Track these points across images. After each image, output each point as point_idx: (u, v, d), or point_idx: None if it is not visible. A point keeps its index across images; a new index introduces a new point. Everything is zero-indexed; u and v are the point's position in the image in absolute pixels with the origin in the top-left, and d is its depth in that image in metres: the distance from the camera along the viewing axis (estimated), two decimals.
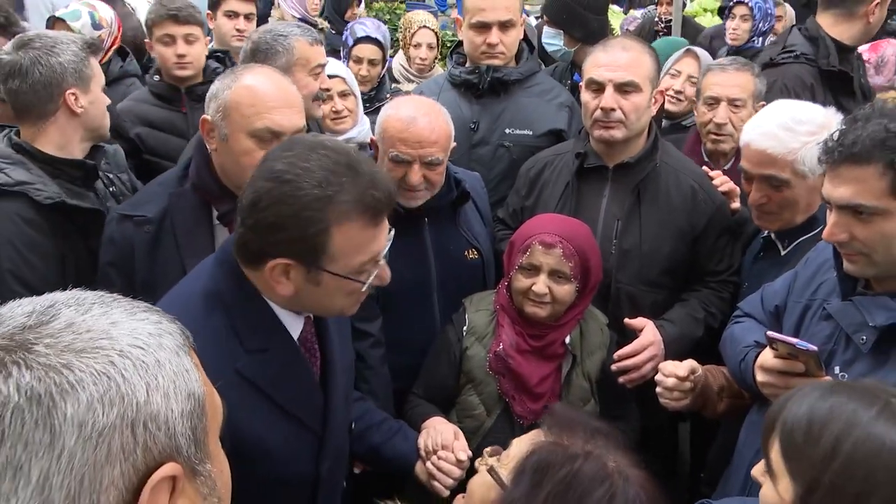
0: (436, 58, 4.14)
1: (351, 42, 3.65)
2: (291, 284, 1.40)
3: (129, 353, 0.72)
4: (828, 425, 1.12)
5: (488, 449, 1.40)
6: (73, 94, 2.14)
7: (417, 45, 4.18)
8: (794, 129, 2.07)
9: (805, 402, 1.17)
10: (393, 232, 1.50)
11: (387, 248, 1.48)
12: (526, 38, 3.02)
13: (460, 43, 3.07)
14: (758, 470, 1.25)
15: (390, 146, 2.20)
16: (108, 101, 2.28)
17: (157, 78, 3.17)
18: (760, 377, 1.73)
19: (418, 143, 2.18)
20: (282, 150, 1.41)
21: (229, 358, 1.40)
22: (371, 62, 3.62)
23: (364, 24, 3.73)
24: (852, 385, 1.20)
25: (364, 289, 1.45)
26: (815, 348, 1.60)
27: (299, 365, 1.54)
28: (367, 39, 3.61)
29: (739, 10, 4.31)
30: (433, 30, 4.21)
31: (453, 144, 2.32)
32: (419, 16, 4.37)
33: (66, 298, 0.76)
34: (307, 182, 1.33)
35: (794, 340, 1.63)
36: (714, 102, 2.79)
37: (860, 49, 3.47)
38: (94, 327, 0.72)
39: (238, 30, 3.53)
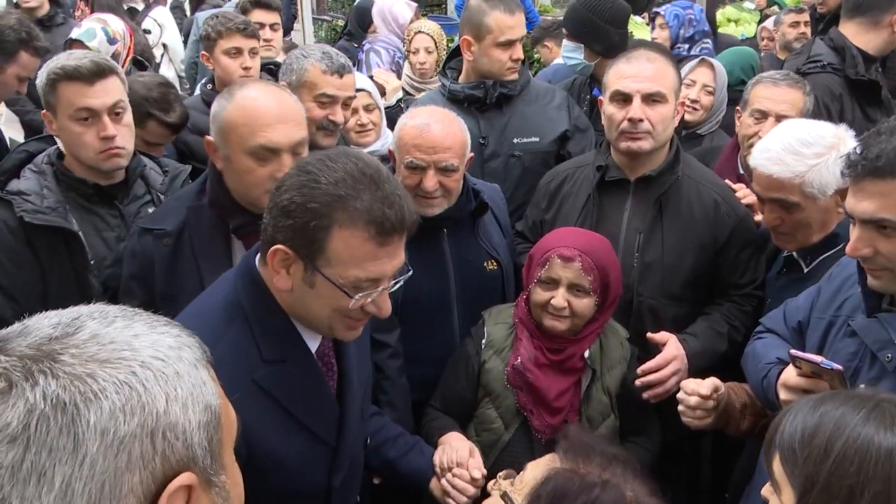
0: (437, 61, 4.17)
1: (366, 72, 3.69)
2: (290, 279, 1.42)
3: (151, 365, 0.74)
4: (820, 429, 1.17)
5: (502, 473, 1.40)
6: (46, 116, 2.21)
7: (416, 52, 4.24)
8: (800, 152, 2.04)
9: (798, 414, 1.22)
10: (410, 273, 1.50)
11: (394, 283, 1.47)
12: None
13: (451, 57, 3.12)
14: (767, 490, 1.27)
15: (405, 153, 2.24)
16: (82, 134, 2.17)
17: (210, 87, 3.27)
18: (784, 395, 1.70)
19: (432, 148, 2.20)
20: (322, 153, 1.45)
21: (247, 368, 1.41)
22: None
23: (379, 56, 3.76)
24: (844, 393, 1.26)
25: (351, 305, 1.41)
26: (839, 367, 1.56)
27: (316, 377, 1.55)
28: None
29: (658, 20, 4.41)
30: (429, 34, 4.24)
31: (470, 154, 2.33)
32: (416, 23, 4.42)
33: (90, 311, 0.78)
34: (325, 178, 1.36)
35: (818, 359, 1.60)
36: (762, 116, 2.75)
37: None
38: (117, 339, 0.75)
39: (265, 40, 3.60)
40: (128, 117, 2.23)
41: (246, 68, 3.18)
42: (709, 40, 4.59)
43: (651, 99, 2.31)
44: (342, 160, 1.39)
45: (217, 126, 1.92)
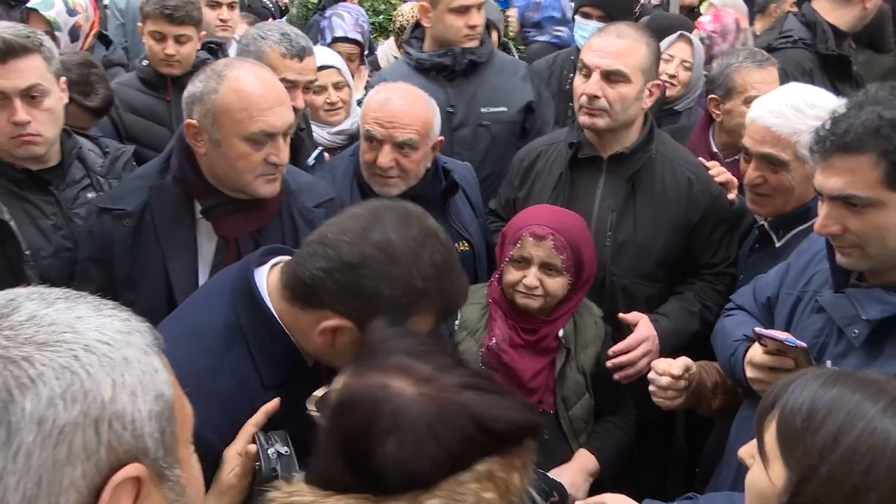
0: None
1: (328, 39, 3.60)
2: (332, 342, 1.36)
3: (96, 349, 0.69)
4: (831, 414, 1.07)
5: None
6: None
7: (402, 29, 4.15)
8: (803, 110, 2.02)
9: (808, 388, 1.11)
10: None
11: None
12: None
13: (415, 26, 3.08)
14: (746, 451, 1.20)
15: (365, 123, 2.22)
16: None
17: (145, 63, 3.15)
18: (750, 373, 1.70)
19: (390, 122, 2.18)
20: (400, 223, 1.36)
21: (249, 397, 1.37)
22: (349, 58, 3.57)
23: (342, 18, 3.66)
24: (858, 375, 1.14)
25: None
26: (804, 344, 1.56)
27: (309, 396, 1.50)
28: (345, 39, 3.56)
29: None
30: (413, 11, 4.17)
31: (440, 138, 2.29)
32: (406, 6, 4.32)
33: (28, 292, 0.73)
34: (416, 272, 1.32)
35: (782, 336, 1.59)
36: None
37: (702, 21, 3.60)
38: (58, 320, 0.69)
39: (221, 20, 3.49)
40: (49, 101, 2.04)
41: (168, 55, 3.06)
42: (563, 28, 4.64)
43: (610, 77, 2.26)
44: (428, 244, 1.35)
45: (205, 109, 1.83)
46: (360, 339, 1.31)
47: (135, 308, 2.03)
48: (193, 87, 1.88)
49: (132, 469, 0.69)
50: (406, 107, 2.20)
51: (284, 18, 6.23)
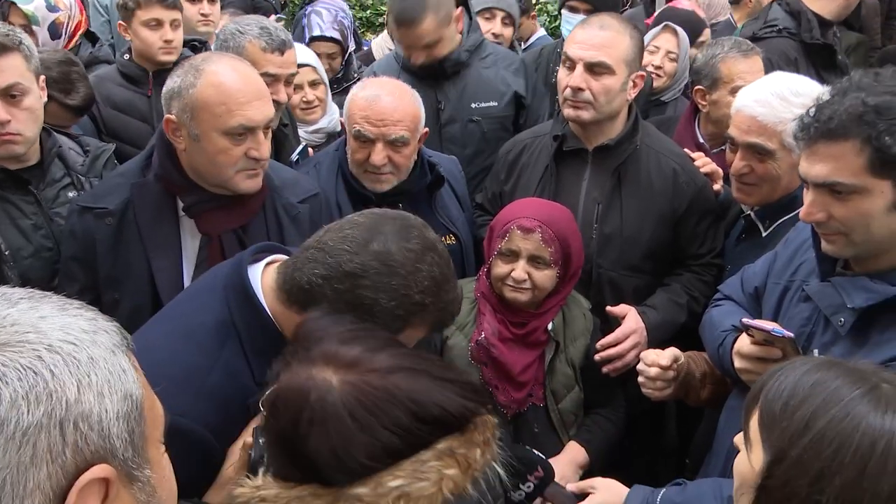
0: None
1: (307, 39, 3.56)
2: None
3: (60, 349, 0.68)
4: (807, 399, 1.09)
5: None
6: None
7: None
8: (789, 99, 2.02)
9: (792, 374, 1.13)
10: None
11: None
12: (466, 7, 3.01)
13: None
14: (738, 438, 1.22)
15: (353, 123, 2.19)
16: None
17: (127, 57, 3.11)
18: (738, 363, 1.70)
19: (381, 120, 2.16)
20: (400, 235, 1.37)
21: (241, 394, 1.36)
22: (329, 56, 3.54)
23: (321, 16, 3.62)
24: (845, 364, 1.15)
25: None
26: (791, 334, 1.56)
27: None
28: (322, 38, 3.53)
29: None
30: None
31: (425, 129, 2.27)
32: None
33: None
34: (415, 285, 1.34)
35: (769, 326, 1.60)
36: None
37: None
38: (20, 321, 0.68)
39: (203, 14, 3.45)
40: (29, 100, 2.02)
41: (167, 41, 3.03)
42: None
43: (594, 69, 2.25)
44: (426, 258, 1.36)
45: (183, 104, 1.82)
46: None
47: (119, 307, 2.00)
48: (171, 83, 1.86)
49: (99, 470, 0.68)
50: (395, 103, 2.18)
51: (283, 13, 6.18)
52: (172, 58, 3.05)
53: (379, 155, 2.17)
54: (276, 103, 2.38)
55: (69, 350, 0.68)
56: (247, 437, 1.38)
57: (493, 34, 3.68)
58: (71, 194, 2.18)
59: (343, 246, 1.35)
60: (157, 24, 3.01)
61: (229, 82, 1.81)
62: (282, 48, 2.41)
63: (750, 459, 1.13)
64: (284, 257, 1.50)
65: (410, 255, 1.35)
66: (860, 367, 1.14)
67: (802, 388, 1.10)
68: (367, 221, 1.40)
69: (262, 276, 1.44)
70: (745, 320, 1.67)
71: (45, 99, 2.14)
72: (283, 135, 2.74)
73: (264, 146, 1.85)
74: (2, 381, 0.63)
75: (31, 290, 0.74)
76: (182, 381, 1.30)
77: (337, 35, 3.54)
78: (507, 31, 3.82)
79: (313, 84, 3.02)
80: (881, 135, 1.41)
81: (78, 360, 0.69)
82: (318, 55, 3.47)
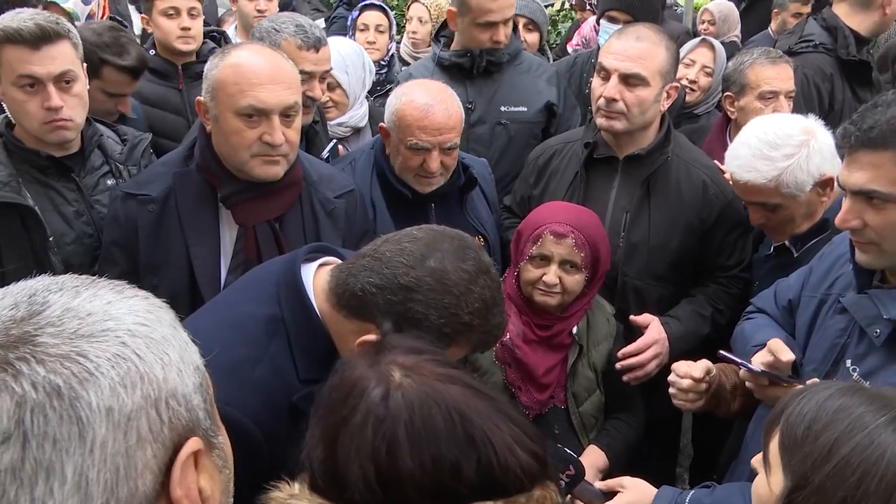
0: (431, 32, 4.10)
1: (356, 14, 3.63)
2: None
3: (138, 332, 0.70)
4: (831, 425, 1.07)
5: None
6: None
7: (410, 20, 4.18)
8: (769, 156, 2.05)
9: (815, 398, 1.12)
10: None
11: None
12: None
13: (444, 25, 3.08)
14: (756, 459, 1.23)
15: (409, 135, 2.20)
16: (25, 103, 2.01)
17: (153, 52, 3.13)
18: (748, 385, 1.75)
19: (437, 130, 2.18)
20: (456, 255, 1.38)
21: (286, 390, 1.39)
22: (378, 28, 3.59)
23: None
24: (869, 389, 1.14)
25: None
26: (758, 369, 1.63)
27: None
28: (371, 6, 3.62)
29: None
30: (424, 4, 4.17)
31: None
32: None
33: (44, 285, 0.71)
34: (465, 306, 1.35)
35: (740, 362, 1.67)
36: (773, 96, 2.76)
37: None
38: (93, 310, 0.69)
39: (259, 10, 3.51)
40: (78, 87, 2.07)
41: (185, 29, 3.04)
42: None
43: (629, 80, 2.26)
44: (480, 280, 1.38)
45: (208, 85, 1.86)
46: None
47: (157, 293, 2.04)
48: (206, 66, 1.91)
49: (194, 443, 0.71)
50: (448, 111, 2.21)
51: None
52: (191, 46, 3.07)
53: (435, 162, 2.20)
54: (311, 99, 2.43)
55: (145, 332, 0.70)
56: None
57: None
58: (110, 182, 2.22)
59: (400, 258, 1.36)
60: (175, 12, 3.04)
61: (246, 63, 1.83)
62: (317, 45, 2.43)
63: (769, 483, 1.13)
64: (337, 260, 1.51)
65: (465, 275, 1.36)
66: (884, 393, 1.13)
67: (826, 412, 1.09)
68: (425, 237, 1.41)
69: (315, 277, 1.46)
70: (721, 353, 1.73)
71: (88, 86, 2.18)
72: (313, 131, 2.76)
73: (277, 132, 1.83)
74: (98, 372, 0.65)
75: (76, 276, 0.74)
76: (229, 371, 1.31)
77: (385, 6, 3.61)
78: (532, 38, 3.83)
79: (329, 86, 3.02)
80: None
81: (155, 340, 0.70)
82: (367, 27, 3.54)
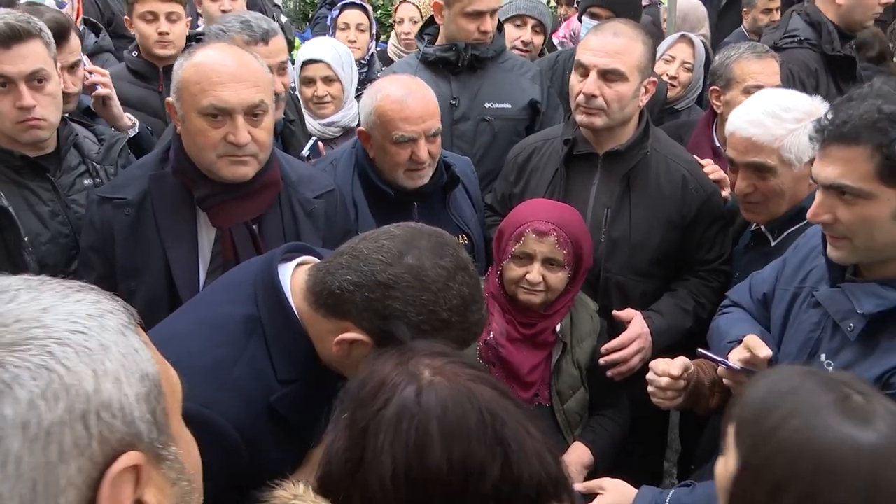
0: None
1: (336, 13, 3.62)
2: (348, 354, 1.37)
3: (69, 340, 0.66)
4: (777, 408, 1.08)
5: None
6: None
7: (401, 21, 4.17)
8: (780, 116, 2.04)
9: (769, 380, 1.14)
10: None
11: None
12: None
13: (428, 23, 3.09)
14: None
15: (393, 129, 2.19)
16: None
17: (135, 54, 3.13)
18: (726, 382, 1.76)
19: (420, 118, 2.19)
20: (434, 251, 1.37)
21: (264, 391, 1.37)
22: (359, 27, 3.59)
23: None
24: (823, 374, 1.15)
25: None
26: (736, 366, 1.64)
27: (323, 393, 1.49)
28: (351, 5, 3.62)
29: None
30: (415, 4, 4.18)
31: None
32: None
33: None
34: (444, 303, 1.33)
35: (718, 359, 1.69)
36: (758, 91, 2.75)
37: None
38: (23, 316, 0.66)
39: (223, 11, 3.49)
40: (51, 86, 2.06)
41: (162, 34, 3.02)
42: None
43: (608, 76, 2.27)
44: (458, 277, 1.36)
45: (174, 85, 1.86)
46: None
47: (135, 297, 2.02)
48: (174, 66, 1.90)
49: (128, 458, 0.67)
50: (423, 97, 2.23)
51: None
52: (168, 52, 3.04)
53: (424, 150, 2.20)
54: (275, 95, 2.36)
55: (79, 340, 0.66)
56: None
57: (523, 42, 3.69)
58: (87, 182, 2.21)
59: (378, 256, 1.35)
60: (153, 16, 3.01)
61: (208, 62, 1.81)
62: (265, 38, 2.41)
63: (727, 464, 1.15)
64: (315, 259, 1.50)
65: (443, 272, 1.35)
66: (836, 377, 1.13)
67: (775, 395, 1.10)
68: (403, 234, 1.40)
69: (293, 276, 1.45)
70: (699, 350, 1.73)
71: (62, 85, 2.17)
72: (289, 131, 2.74)
73: (242, 132, 1.81)
74: (16, 384, 0.61)
75: (28, 277, 0.72)
76: (208, 373, 1.31)
77: (366, 4, 3.60)
78: (538, 40, 3.80)
79: (326, 80, 3.03)
80: (892, 143, 1.43)
81: (90, 349, 0.67)
82: (348, 26, 3.52)
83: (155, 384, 0.72)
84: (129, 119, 2.64)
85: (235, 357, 1.36)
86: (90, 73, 2.63)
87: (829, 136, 1.50)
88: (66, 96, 2.55)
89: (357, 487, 0.96)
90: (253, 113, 1.84)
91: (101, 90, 2.61)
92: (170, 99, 1.89)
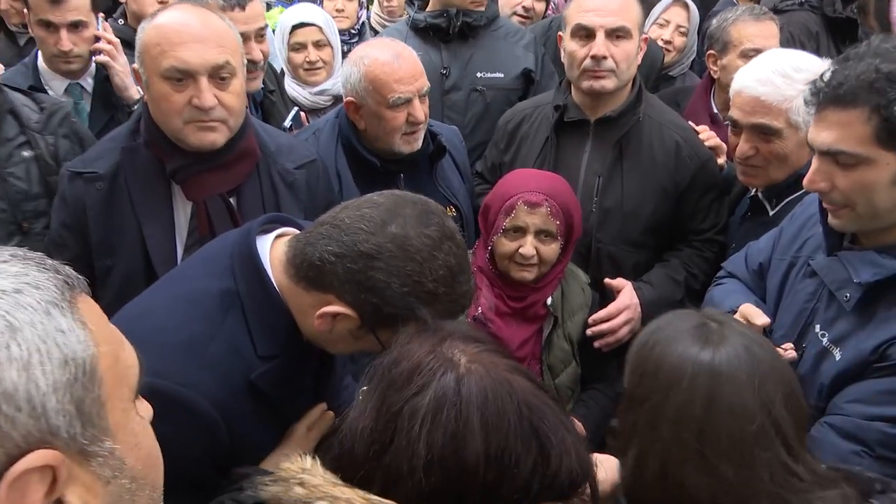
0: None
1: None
2: (331, 328, 1.32)
3: None
4: (649, 342, 1.18)
5: None
6: None
7: None
8: (791, 76, 1.96)
9: (652, 325, 1.23)
10: None
11: None
12: None
13: None
14: None
15: (389, 92, 2.14)
16: None
17: (121, 22, 3.05)
18: None
19: (412, 77, 2.16)
20: (419, 220, 1.32)
21: (243, 367, 1.32)
22: None
23: None
24: (695, 311, 1.24)
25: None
26: None
27: (305, 370, 1.45)
28: None
29: None
30: None
31: None
32: None
33: None
34: (430, 273, 1.28)
35: None
36: (755, 54, 2.66)
37: None
38: None
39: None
40: None
41: (162, 3, 2.92)
42: None
43: (615, 35, 2.21)
44: (444, 246, 1.30)
45: (137, 50, 1.78)
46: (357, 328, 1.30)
47: (112, 274, 1.96)
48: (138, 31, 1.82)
49: (36, 458, 0.59)
50: (411, 57, 2.19)
51: None
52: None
53: (420, 110, 2.17)
54: (252, 63, 2.32)
55: None
56: (310, 419, 1.40)
57: (524, 7, 3.60)
58: (25, 154, 2.12)
59: (360, 225, 1.30)
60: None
61: (168, 23, 1.74)
62: (241, 3, 2.34)
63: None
64: (295, 230, 1.45)
65: (428, 241, 1.30)
66: (704, 311, 1.23)
67: (649, 332, 1.20)
68: (386, 202, 1.35)
69: (272, 249, 1.40)
70: None
71: None
72: (269, 102, 2.67)
73: (206, 94, 1.73)
74: None
75: None
76: (185, 350, 1.27)
77: None
78: (539, 6, 3.71)
79: (318, 45, 2.95)
80: (891, 104, 1.36)
81: None
82: None
83: (84, 370, 0.64)
84: (137, 91, 2.54)
85: (212, 333, 1.31)
86: (98, 38, 2.57)
87: (825, 98, 1.43)
88: (67, 56, 2.51)
89: (380, 470, 0.93)
90: (219, 76, 1.76)
91: (100, 57, 2.53)
92: (135, 65, 1.82)
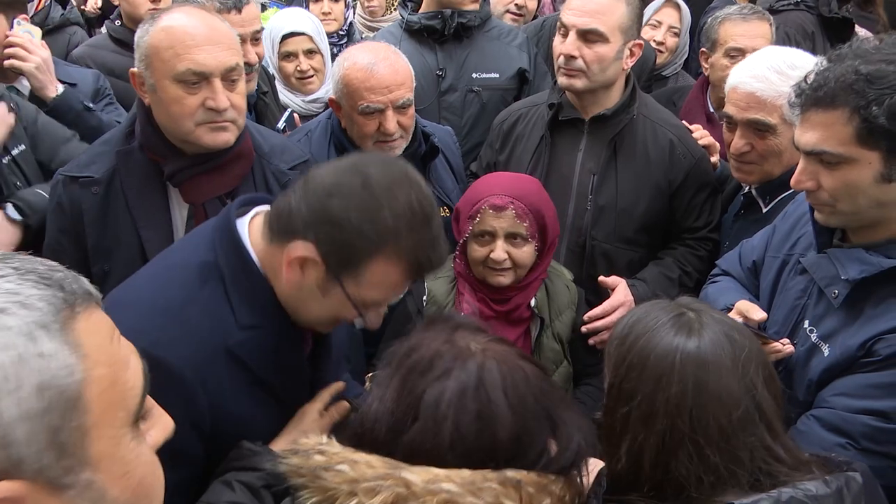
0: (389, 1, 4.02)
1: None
2: (301, 278, 1.32)
3: None
4: (629, 334, 1.20)
5: None
6: None
7: None
8: (786, 72, 1.97)
9: (628, 314, 1.26)
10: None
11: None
12: None
13: None
14: None
15: (359, 99, 2.13)
16: None
17: (118, 23, 3.07)
18: None
19: (386, 88, 2.12)
20: (384, 162, 1.36)
21: (222, 334, 1.33)
22: None
23: None
24: (670, 301, 1.26)
25: (355, 319, 1.42)
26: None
27: (290, 345, 1.45)
28: None
29: None
30: None
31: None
32: None
33: None
34: (389, 207, 1.27)
35: None
36: (738, 54, 2.66)
37: None
38: None
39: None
40: None
41: (154, 1, 2.94)
42: None
43: (587, 36, 2.20)
44: (405, 188, 1.30)
45: (141, 53, 1.77)
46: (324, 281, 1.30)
47: (109, 278, 1.96)
48: (136, 33, 1.81)
49: (2, 489, 0.57)
50: (392, 66, 2.15)
51: None
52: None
53: (392, 122, 2.14)
54: (248, 65, 2.30)
55: None
56: (323, 400, 1.45)
57: (517, 5, 3.60)
58: None
59: (325, 170, 1.34)
60: None
61: (179, 26, 1.74)
62: (238, 5, 2.34)
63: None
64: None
65: (389, 178, 1.30)
66: (680, 300, 1.26)
67: (628, 324, 1.22)
68: (353, 156, 1.40)
69: (250, 224, 1.41)
70: None
71: None
72: (263, 104, 2.67)
73: (221, 96, 1.74)
74: None
75: None
76: (159, 312, 1.28)
77: None
78: (532, 4, 3.71)
79: (308, 53, 2.95)
80: (870, 104, 1.38)
81: None
82: None
83: (65, 398, 0.61)
84: (55, 89, 2.46)
85: (186, 297, 1.32)
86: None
87: (807, 100, 1.46)
88: None
89: (402, 447, 1.00)
90: (230, 78, 1.77)
91: (9, 61, 2.42)
92: (134, 69, 1.80)
